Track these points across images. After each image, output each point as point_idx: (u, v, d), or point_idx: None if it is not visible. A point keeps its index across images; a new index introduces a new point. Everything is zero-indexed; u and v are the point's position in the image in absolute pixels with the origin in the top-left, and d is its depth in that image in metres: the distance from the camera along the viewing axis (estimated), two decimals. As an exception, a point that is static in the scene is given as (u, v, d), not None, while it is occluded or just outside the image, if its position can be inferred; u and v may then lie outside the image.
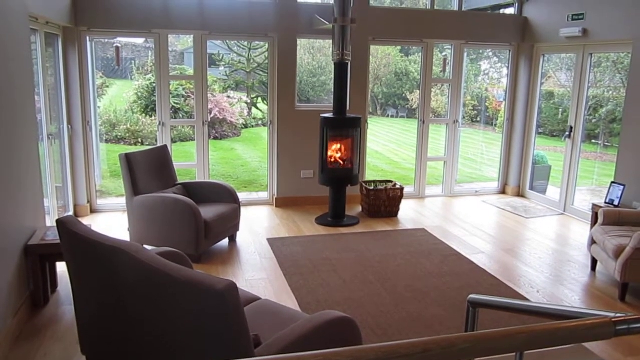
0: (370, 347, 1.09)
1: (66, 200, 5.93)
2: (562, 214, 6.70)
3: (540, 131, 10.35)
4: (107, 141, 10.99)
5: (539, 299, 4.31)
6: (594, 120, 10.13)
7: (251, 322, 2.92)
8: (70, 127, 5.88)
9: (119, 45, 7.29)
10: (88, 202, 6.19)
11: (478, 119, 16.06)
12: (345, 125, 6.03)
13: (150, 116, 11.47)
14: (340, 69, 5.86)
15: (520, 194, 7.57)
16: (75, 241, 2.77)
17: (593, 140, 10.51)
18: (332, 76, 6.01)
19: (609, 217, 4.77)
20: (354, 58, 6.53)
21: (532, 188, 7.48)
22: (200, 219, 4.73)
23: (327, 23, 6.00)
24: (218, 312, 2.17)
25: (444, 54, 7.72)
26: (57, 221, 2.81)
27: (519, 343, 1.16)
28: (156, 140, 6.55)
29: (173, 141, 11.48)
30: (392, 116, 20.10)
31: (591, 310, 1.43)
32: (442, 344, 1.11)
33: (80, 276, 2.88)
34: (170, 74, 9.98)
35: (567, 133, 6.61)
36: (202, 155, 6.52)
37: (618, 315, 1.28)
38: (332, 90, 6.04)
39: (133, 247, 2.53)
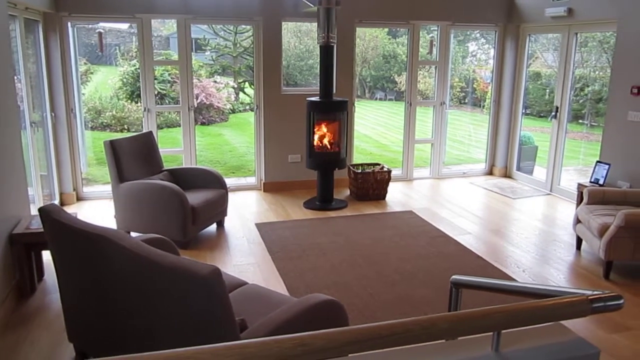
0: (349, 329, 1.09)
1: (52, 189, 5.88)
2: (548, 194, 6.76)
3: (527, 112, 10.37)
4: (92, 128, 10.86)
5: (525, 278, 4.36)
6: (580, 101, 10.18)
7: (238, 306, 2.92)
8: (53, 114, 5.81)
9: (102, 31, 7.18)
10: (74, 190, 6.13)
11: (466, 101, 16.07)
12: (332, 109, 6.00)
13: (136, 102, 11.36)
14: (326, 52, 5.81)
15: (507, 174, 7.61)
16: (59, 229, 2.74)
17: (580, 121, 10.57)
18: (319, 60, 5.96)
19: (594, 196, 4.82)
20: (340, 41, 6.48)
21: (519, 169, 7.53)
22: (187, 205, 4.71)
23: (312, 5, 5.94)
24: (203, 298, 2.17)
25: (430, 35, 7.68)
26: (40, 209, 2.79)
27: (496, 322, 1.17)
28: (142, 127, 6.48)
29: (160, 127, 11.40)
30: (380, 99, 20.06)
31: (569, 289, 1.45)
32: (423, 324, 1.12)
33: (64, 264, 2.87)
34: (155, 59, 9.88)
35: (553, 113, 6.63)
36: (188, 141, 6.48)
37: (595, 293, 1.30)
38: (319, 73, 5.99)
39: (117, 234, 2.52)
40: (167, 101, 11.51)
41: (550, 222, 5.78)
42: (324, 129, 6.03)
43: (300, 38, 16.43)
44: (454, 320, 1.14)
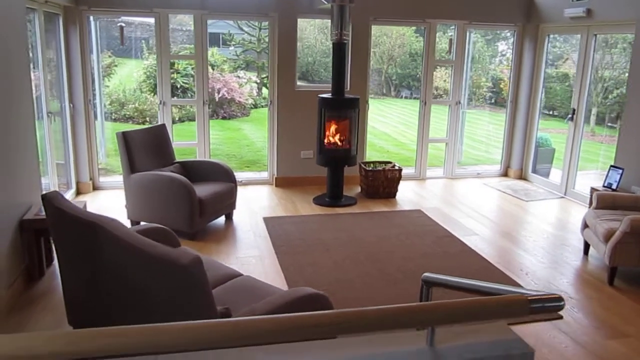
0: (273, 317, 1.13)
1: (69, 178, 6.05)
2: (562, 197, 6.66)
3: (555, 114, 10.18)
4: (115, 120, 11.11)
5: (527, 282, 4.33)
6: (609, 103, 9.97)
7: (228, 296, 2.99)
8: (72, 105, 5.97)
9: (123, 24, 7.34)
10: (90, 179, 6.30)
11: (493, 101, 15.87)
12: (343, 106, 6.03)
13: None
14: (339, 49, 5.84)
15: (522, 176, 7.52)
16: (59, 216, 2.84)
17: (609, 124, 10.33)
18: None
19: (603, 201, 4.74)
20: (355, 38, 6.51)
21: (534, 171, 7.42)
22: (194, 197, 4.80)
23: (326, 2, 5.97)
24: (183, 285, 2.24)
25: (450, 34, 7.62)
26: (43, 196, 2.89)
27: (427, 318, 1.19)
28: (158, 120, 6.61)
29: (181, 120, 11.60)
30: (406, 97, 19.95)
31: (528, 291, 1.45)
32: (350, 317, 1.15)
33: (64, 250, 2.97)
34: (181, 54, 10.07)
35: (570, 115, 6.53)
36: (202, 135, 6.59)
37: (537, 293, 1.31)
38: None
39: (111, 222, 2.61)
40: (189, 94, 11.68)
41: (561, 226, 5.70)
42: (334, 125, 6.06)
43: (326, 35, 16.47)
44: (383, 315, 1.17)
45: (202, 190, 5.03)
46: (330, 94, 6.02)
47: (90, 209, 5.64)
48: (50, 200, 2.86)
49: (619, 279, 4.33)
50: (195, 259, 2.21)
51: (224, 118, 12.35)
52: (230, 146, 10.29)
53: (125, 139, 5.02)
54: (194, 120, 11.40)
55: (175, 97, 11.65)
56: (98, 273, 2.70)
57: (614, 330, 3.60)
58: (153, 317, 2.46)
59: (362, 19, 6.53)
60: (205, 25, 6.30)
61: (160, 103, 6.43)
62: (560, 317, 3.78)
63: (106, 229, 2.53)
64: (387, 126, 13.60)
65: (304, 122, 6.60)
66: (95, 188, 6.40)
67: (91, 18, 6.51)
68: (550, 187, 6.97)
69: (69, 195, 5.89)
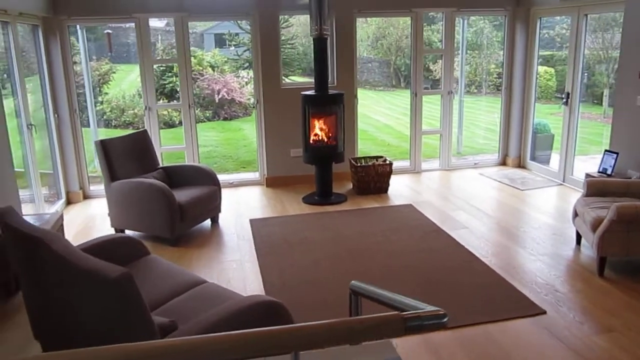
0: (112, 347, 1.06)
1: (58, 188, 6.07)
2: (560, 184, 6.45)
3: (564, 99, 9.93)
4: (115, 126, 11.15)
5: (513, 275, 4.18)
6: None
7: (183, 307, 2.93)
8: (56, 115, 5.98)
9: (110, 31, 7.34)
10: (80, 188, 6.31)
11: (502, 88, 15.61)
12: (328, 102, 5.92)
13: (158, 100, 11.57)
14: (319, 44, 5.72)
15: (520, 165, 7.31)
16: (9, 231, 2.82)
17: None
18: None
19: (593, 187, 4.56)
20: (339, 33, 6.39)
21: (533, 158, 7.21)
22: (173, 202, 4.75)
23: (304, -3, 5.86)
24: (114, 299, 2.19)
25: (442, 22, 7.44)
26: (-5, 212, 2.87)
27: (286, 343, 1.10)
28: (145, 125, 6.59)
29: (181, 124, 11.58)
30: (415, 88, 19.69)
31: (424, 307, 1.34)
32: (197, 344, 1.07)
33: (20, 264, 2.95)
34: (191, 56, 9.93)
35: (564, 100, 6.31)
36: (190, 138, 6.55)
37: (415, 311, 1.21)
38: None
39: (52, 237, 2.56)
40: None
41: (556, 215, 5.51)
42: (319, 122, 5.96)
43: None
44: (235, 341, 1.08)
45: (183, 195, 4.98)
46: (313, 91, 5.92)
47: (76, 218, 5.66)
48: (1, 216, 2.83)
49: (610, 270, 4.16)
50: (125, 274, 2.15)
51: (224, 119, 12.31)
52: (228, 147, 10.25)
53: (104, 147, 4.99)
54: (198, 123, 11.42)
55: (175, 101, 11.64)
56: (44, 288, 2.66)
57: (598, 324, 3.44)
58: (89, 333, 2.41)
59: (346, 12, 6.40)
60: (187, 27, 6.25)
61: (146, 108, 6.41)
62: (544, 312, 3.64)
63: (46, 243, 2.49)
64: (391, 119, 13.43)
65: (292, 120, 6.50)
66: (86, 197, 6.41)
67: (78, 27, 6.52)
68: (549, 174, 6.77)
69: (59, 205, 5.90)
